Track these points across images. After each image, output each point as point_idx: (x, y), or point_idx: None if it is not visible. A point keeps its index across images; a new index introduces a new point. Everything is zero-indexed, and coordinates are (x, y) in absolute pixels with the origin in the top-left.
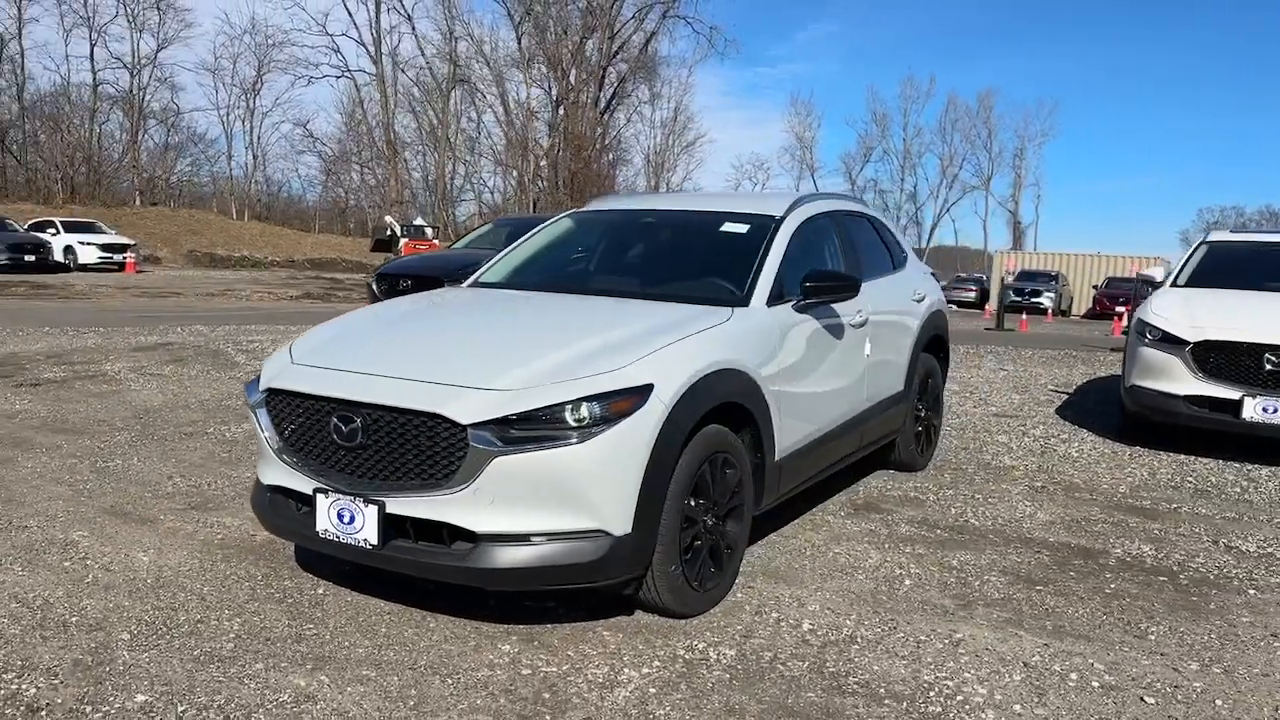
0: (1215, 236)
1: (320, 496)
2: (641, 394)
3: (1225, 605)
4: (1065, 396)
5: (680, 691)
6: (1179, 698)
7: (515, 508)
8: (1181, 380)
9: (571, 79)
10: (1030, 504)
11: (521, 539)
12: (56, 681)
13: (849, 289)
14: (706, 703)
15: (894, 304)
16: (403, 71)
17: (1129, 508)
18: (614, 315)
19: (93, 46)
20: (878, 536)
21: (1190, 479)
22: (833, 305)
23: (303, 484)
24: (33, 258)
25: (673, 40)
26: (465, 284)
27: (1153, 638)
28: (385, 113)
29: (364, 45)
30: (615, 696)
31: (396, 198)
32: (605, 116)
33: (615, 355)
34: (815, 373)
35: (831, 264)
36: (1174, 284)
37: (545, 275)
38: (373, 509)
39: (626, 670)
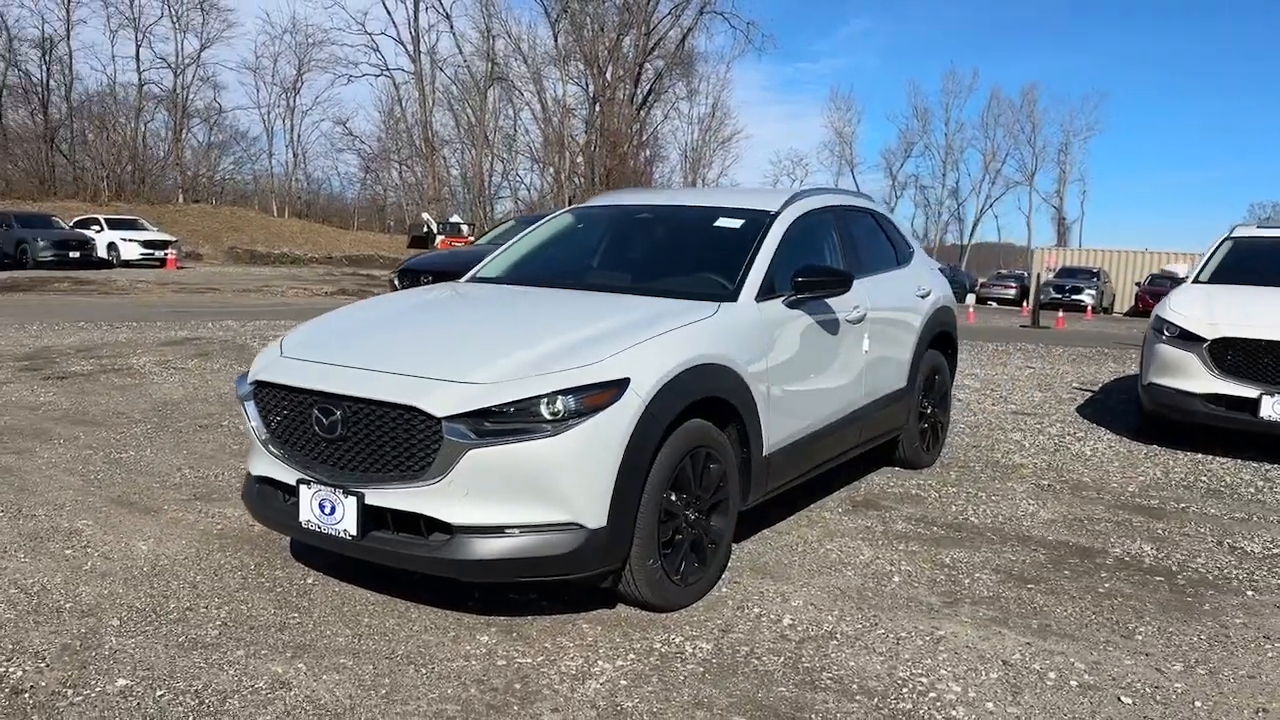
0: (1240, 232)
1: (303, 487)
2: (617, 388)
3: (1220, 606)
4: (1089, 395)
5: (651, 684)
6: (1158, 698)
7: (490, 500)
8: (1198, 378)
9: (608, 76)
10: (1034, 502)
11: (496, 531)
12: (43, 665)
13: (840, 284)
14: (676, 696)
15: (895, 300)
16: (441, 70)
17: (1135, 507)
18: (600, 310)
19: (138, 47)
20: (873, 533)
21: (1204, 479)
22: (827, 301)
23: (288, 475)
24: (77, 254)
25: (710, 36)
26: (464, 279)
27: (1140, 638)
28: (423, 111)
29: (402, 44)
30: (585, 688)
31: (434, 195)
32: (641, 113)
33: (594, 349)
34: (807, 368)
35: (830, 259)
36: (1196, 280)
37: (541, 270)
38: (352, 500)
39: (600, 663)
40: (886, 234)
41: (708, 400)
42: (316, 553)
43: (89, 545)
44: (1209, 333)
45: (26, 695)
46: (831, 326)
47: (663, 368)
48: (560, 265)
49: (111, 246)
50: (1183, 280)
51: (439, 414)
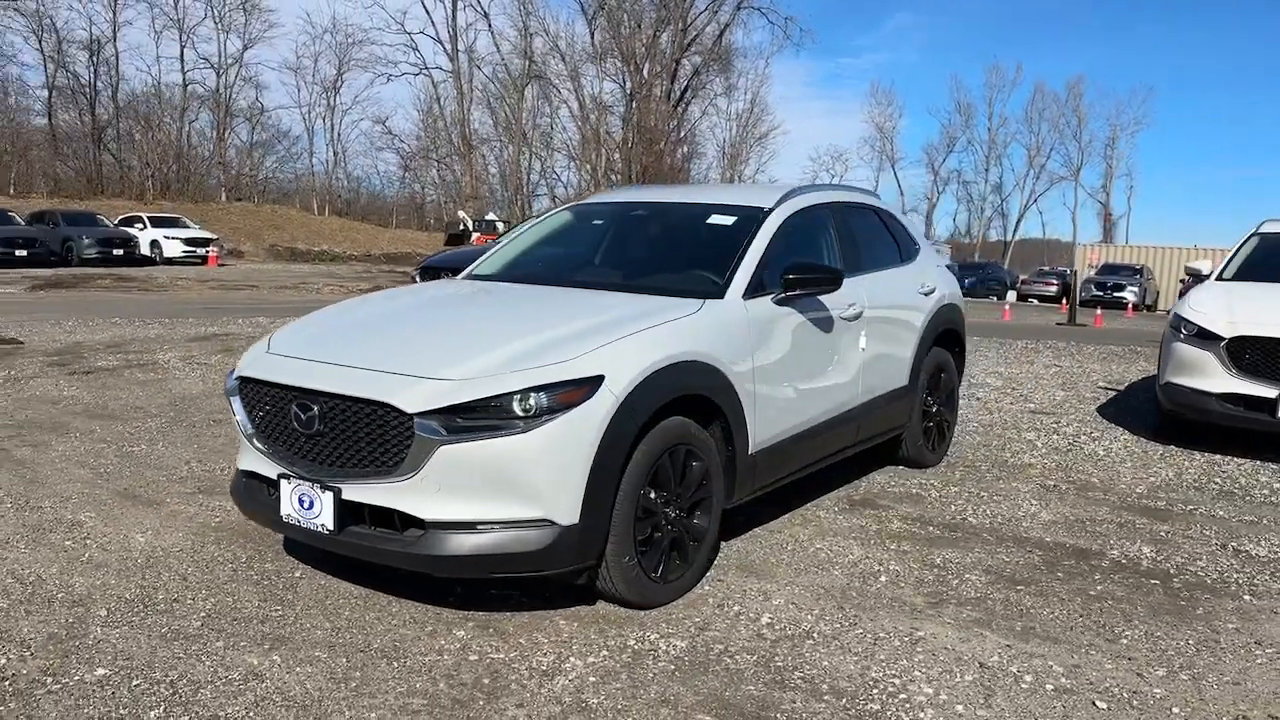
0: (1269, 227)
1: (284, 482)
2: (591, 385)
3: (1213, 611)
4: (1113, 393)
5: (619, 681)
6: (1134, 703)
7: (462, 496)
8: (1215, 377)
9: (645, 73)
10: (1036, 503)
11: (468, 527)
12: (27, 653)
13: (831, 281)
14: (643, 693)
15: (896, 297)
16: (479, 68)
17: (1141, 508)
18: (584, 307)
19: (182, 48)
20: (866, 532)
21: (1217, 480)
22: (820, 298)
23: (271, 470)
24: (120, 251)
25: (748, 32)
26: (460, 275)
27: (1125, 641)
28: (461, 109)
29: (441, 43)
30: (553, 685)
31: (472, 193)
32: (678, 109)
33: (570, 346)
34: (798, 366)
35: (826, 256)
36: (1219, 277)
37: (535, 267)
38: (329, 495)
39: (572, 659)
40: (890, 230)
41: (689, 398)
42: (307, 547)
43: (89, 537)
44: (1227, 331)
45: (7, 683)
46: (825, 324)
47: (639, 365)
48: (554, 262)
49: (154, 244)
50: (1206, 277)
51: (410, 410)
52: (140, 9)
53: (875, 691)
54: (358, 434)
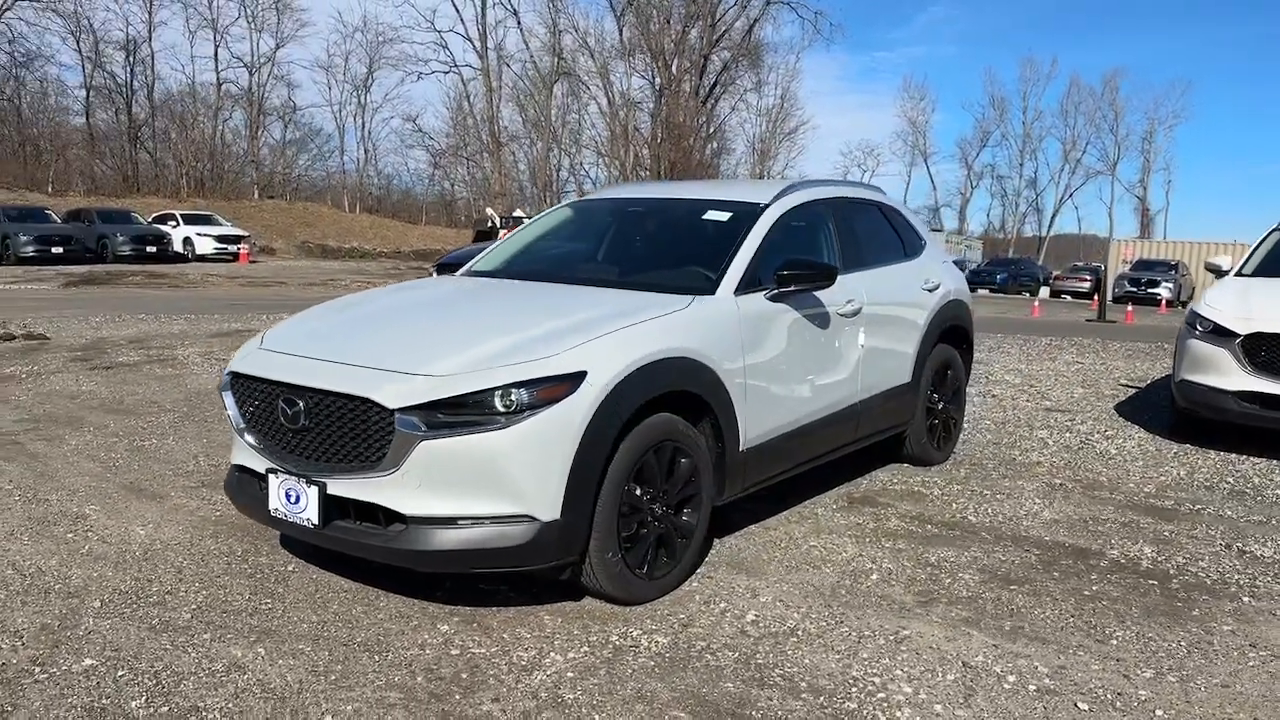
0: None
1: (272, 476)
2: (573, 381)
3: (1210, 612)
4: (1133, 391)
5: (597, 676)
6: (1117, 705)
7: (443, 491)
8: (1231, 375)
9: (674, 69)
10: (1040, 502)
11: (449, 522)
12: (19, 643)
13: (824, 277)
14: (619, 689)
15: (898, 293)
16: (508, 65)
17: (1147, 508)
18: (575, 303)
19: (216, 47)
20: (862, 530)
21: (1229, 479)
22: (816, 294)
23: (261, 464)
24: (153, 249)
25: (777, 26)
26: (459, 272)
27: (1115, 642)
28: (490, 106)
29: (470, 40)
30: (531, 679)
31: (501, 190)
32: (707, 105)
33: (554, 342)
34: (792, 362)
35: (825, 252)
36: (1239, 273)
37: (531, 264)
38: (314, 489)
39: (553, 654)
40: (894, 226)
41: (676, 394)
42: (302, 541)
43: (90, 530)
44: (1242, 328)
45: None
46: (821, 321)
47: (623, 361)
48: (551, 259)
49: (187, 241)
50: (1226, 273)
51: (391, 405)
52: (175, 9)
53: (854, 690)
54: (342, 429)
